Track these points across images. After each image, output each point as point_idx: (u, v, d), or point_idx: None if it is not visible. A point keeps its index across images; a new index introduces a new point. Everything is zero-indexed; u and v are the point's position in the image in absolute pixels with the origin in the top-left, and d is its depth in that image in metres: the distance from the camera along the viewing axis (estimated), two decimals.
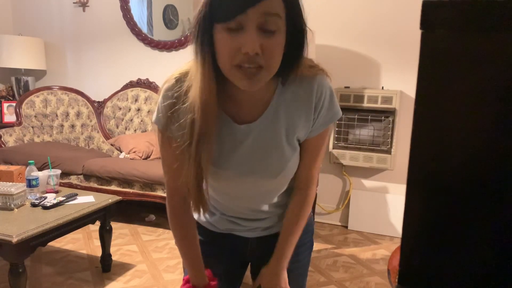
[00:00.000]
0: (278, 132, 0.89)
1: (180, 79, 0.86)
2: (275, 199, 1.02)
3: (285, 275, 1.02)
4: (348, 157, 3.18)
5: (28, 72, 4.19)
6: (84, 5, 4.08)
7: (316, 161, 0.96)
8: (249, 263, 1.17)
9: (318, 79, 0.88)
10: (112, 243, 2.56)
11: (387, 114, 3.05)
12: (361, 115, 3.10)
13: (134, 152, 3.36)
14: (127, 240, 2.98)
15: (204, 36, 0.77)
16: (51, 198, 2.31)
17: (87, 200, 2.38)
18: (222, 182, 0.94)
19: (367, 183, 3.37)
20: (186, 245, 1.01)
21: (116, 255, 2.71)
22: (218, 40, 0.76)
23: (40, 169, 2.80)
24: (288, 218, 1.01)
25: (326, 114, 0.90)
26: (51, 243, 2.64)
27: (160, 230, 3.20)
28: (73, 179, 3.25)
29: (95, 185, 3.19)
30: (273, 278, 1.01)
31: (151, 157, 3.37)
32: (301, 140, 0.93)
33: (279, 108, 0.89)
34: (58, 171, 2.55)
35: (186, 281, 1.02)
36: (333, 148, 3.21)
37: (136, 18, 3.88)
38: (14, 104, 3.92)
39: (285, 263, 1.01)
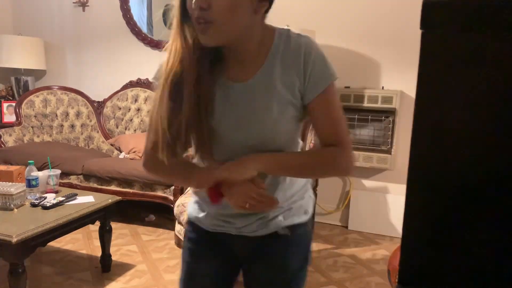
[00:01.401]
0: (273, 89, 0.91)
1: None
2: (278, 188, 0.99)
3: (250, 172, 0.89)
4: None
5: (28, 72, 4.19)
6: (84, 5, 4.07)
7: (333, 123, 0.94)
8: (241, 269, 1.12)
9: (304, 39, 0.92)
10: (112, 243, 2.55)
11: (387, 114, 3.05)
12: (361, 115, 3.10)
13: (134, 152, 3.36)
14: (127, 240, 2.98)
15: None
16: (50, 198, 2.31)
17: (87, 200, 2.38)
18: (216, 145, 0.94)
19: (367, 183, 3.37)
20: (182, 165, 1.00)
21: (116, 255, 2.70)
22: None
23: (40, 169, 2.80)
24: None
25: (318, 71, 0.90)
26: (51, 243, 2.64)
27: (160, 230, 3.19)
28: (73, 179, 3.25)
29: (95, 185, 3.19)
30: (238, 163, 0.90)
31: None
32: (303, 102, 0.94)
33: (273, 67, 0.91)
34: (58, 171, 2.55)
35: (213, 188, 0.92)
36: None
37: (136, 18, 3.88)
38: (14, 104, 3.92)
39: (265, 158, 0.92)
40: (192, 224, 1.09)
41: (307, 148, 2.25)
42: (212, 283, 1.06)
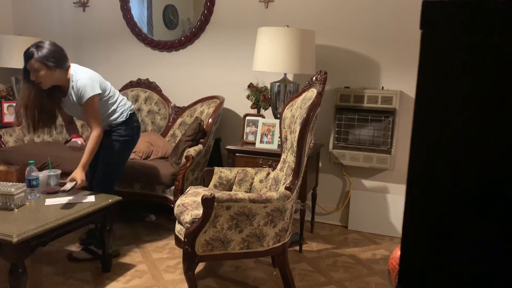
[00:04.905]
0: (71, 100, 2.44)
1: None
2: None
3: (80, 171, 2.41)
4: (348, 157, 3.18)
5: None
6: (84, 5, 4.08)
7: (87, 117, 2.45)
8: None
9: (79, 82, 2.40)
10: (112, 243, 2.56)
11: (387, 114, 3.05)
12: (361, 115, 3.10)
13: (134, 152, 3.35)
14: (127, 240, 2.98)
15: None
16: (69, 186, 2.38)
17: (87, 200, 2.38)
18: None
19: (367, 183, 3.37)
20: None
21: (116, 255, 2.70)
22: None
23: (40, 169, 2.80)
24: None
25: (80, 96, 2.40)
26: (51, 243, 2.64)
27: (160, 230, 3.19)
28: None
29: None
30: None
31: (151, 157, 3.37)
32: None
33: (70, 91, 2.41)
34: (58, 171, 2.55)
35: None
36: (333, 148, 3.21)
37: (136, 18, 3.88)
38: (14, 104, 3.92)
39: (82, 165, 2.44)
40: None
41: (307, 148, 2.26)
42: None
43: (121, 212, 3.29)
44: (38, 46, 2.29)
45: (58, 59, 2.32)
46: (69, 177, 2.38)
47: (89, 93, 2.34)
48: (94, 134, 2.42)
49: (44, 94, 2.37)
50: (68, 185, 2.35)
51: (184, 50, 3.78)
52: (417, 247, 0.69)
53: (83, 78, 2.35)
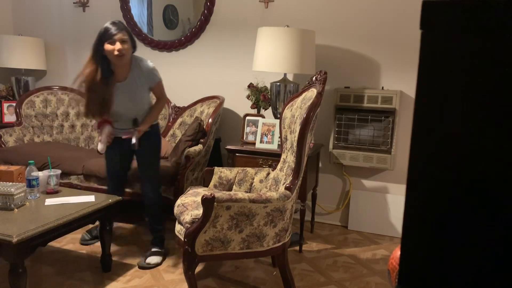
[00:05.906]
0: (135, 83, 2.50)
1: None
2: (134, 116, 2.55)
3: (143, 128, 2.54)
4: (348, 157, 3.18)
5: (28, 72, 4.19)
6: (84, 5, 4.08)
7: (157, 95, 2.65)
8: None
9: (143, 61, 2.53)
10: (112, 243, 2.55)
11: (387, 114, 3.05)
12: (361, 115, 3.10)
13: None
14: (127, 240, 2.98)
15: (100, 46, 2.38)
16: (135, 140, 2.50)
17: (87, 200, 2.38)
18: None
19: (367, 183, 3.37)
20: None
21: (116, 255, 2.71)
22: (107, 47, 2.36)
23: (40, 169, 2.80)
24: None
25: (152, 78, 2.56)
26: (51, 243, 2.64)
27: None
28: (73, 179, 3.25)
29: (95, 185, 3.18)
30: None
31: None
32: (150, 88, 2.59)
33: (133, 74, 2.48)
34: (58, 171, 2.55)
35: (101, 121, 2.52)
36: (333, 148, 3.21)
37: (136, 18, 3.88)
38: (14, 104, 3.92)
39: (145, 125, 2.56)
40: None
41: (307, 148, 2.26)
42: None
43: (121, 212, 3.28)
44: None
45: (135, 42, 2.48)
46: (130, 131, 2.48)
47: (159, 74, 2.58)
48: (163, 102, 2.66)
49: (108, 74, 2.43)
50: (134, 140, 2.47)
51: (184, 50, 3.78)
52: (417, 247, 0.69)
53: (150, 62, 2.54)
